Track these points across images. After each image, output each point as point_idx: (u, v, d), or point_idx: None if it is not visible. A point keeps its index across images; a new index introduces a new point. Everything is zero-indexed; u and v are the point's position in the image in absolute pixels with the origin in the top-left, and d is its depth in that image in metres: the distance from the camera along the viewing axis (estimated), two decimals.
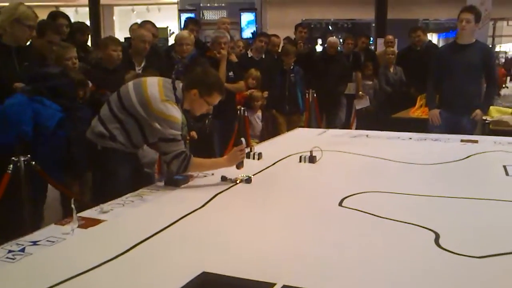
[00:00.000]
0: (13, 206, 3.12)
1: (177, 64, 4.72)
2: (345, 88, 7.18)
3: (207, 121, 4.69)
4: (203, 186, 2.54)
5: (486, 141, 3.78)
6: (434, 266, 1.60)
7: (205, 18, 12.85)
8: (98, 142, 2.69)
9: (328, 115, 7.26)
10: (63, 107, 3.35)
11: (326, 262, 1.63)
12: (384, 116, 6.16)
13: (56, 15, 4.85)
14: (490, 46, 11.58)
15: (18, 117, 3.13)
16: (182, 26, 7.71)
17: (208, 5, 13.30)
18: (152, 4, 14.25)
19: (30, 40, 3.59)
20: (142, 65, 4.51)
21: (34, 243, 1.75)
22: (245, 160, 2.78)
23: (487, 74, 4.46)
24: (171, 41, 10.61)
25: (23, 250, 1.68)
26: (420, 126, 4.80)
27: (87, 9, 11.65)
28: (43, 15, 4.48)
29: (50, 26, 4.04)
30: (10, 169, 3.06)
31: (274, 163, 3.03)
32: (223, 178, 2.60)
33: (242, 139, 2.74)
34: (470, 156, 3.25)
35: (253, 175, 2.66)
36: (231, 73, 5.08)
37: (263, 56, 6.35)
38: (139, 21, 5.84)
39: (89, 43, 6.01)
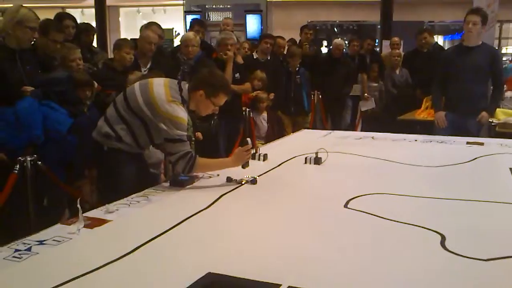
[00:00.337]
0: (19, 205, 3.13)
1: (183, 65, 4.72)
2: (350, 90, 7.17)
3: (212, 122, 4.70)
4: (208, 187, 2.54)
5: (492, 144, 3.76)
6: (440, 269, 1.59)
7: (211, 19, 12.87)
8: (104, 142, 2.69)
9: (334, 117, 7.25)
10: (69, 112, 3.38)
11: (331, 263, 1.63)
12: (389, 118, 6.15)
13: (62, 16, 4.87)
14: (497, 48, 11.53)
15: (29, 121, 3.17)
16: (188, 27, 7.72)
17: (214, 6, 13.31)
18: (157, 5, 14.27)
19: (33, 42, 3.60)
20: (148, 66, 4.52)
21: (41, 242, 1.76)
22: (251, 161, 2.79)
23: (493, 76, 4.45)
24: (176, 42, 10.64)
25: (29, 249, 1.69)
26: (425, 128, 4.79)
27: (93, 10, 11.69)
28: (49, 16, 4.51)
29: (53, 25, 4.06)
30: (17, 169, 3.07)
31: (280, 165, 3.03)
32: (229, 179, 2.60)
33: (248, 139, 2.74)
34: (476, 158, 3.24)
35: (259, 176, 2.66)
36: (237, 75, 5.08)
37: (269, 58, 6.35)
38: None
39: (94, 44, 6.02)
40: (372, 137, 4.09)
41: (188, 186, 2.53)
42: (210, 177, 2.71)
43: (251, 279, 1.49)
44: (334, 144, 3.62)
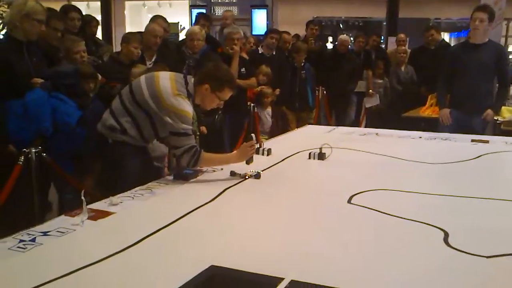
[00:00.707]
0: (23, 197, 3.15)
1: (188, 59, 4.72)
2: (355, 86, 7.16)
3: (217, 117, 4.70)
4: (212, 181, 2.55)
5: (497, 141, 3.75)
6: (443, 265, 1.59)
7: (216, 14, 12.85)
8: (108, 135, 2.70)
9: (338, 113, 7.24)
10: (77, 105, 3.39)
11: (334, 258, 1.64)
12: (394, 114, 6.14)
13: (68, 9, 4.87)
14: (503, 46, 11.46)
15: (38, 112, 3.18)
16: (193, 21, 7.71)
17: (219, 1, 13.29)
18: None
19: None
20: (153, 59, 4.52)
21: (45, 233, 1.77)
22: (255, 156, 2.79)
23: (499, 74, 4.43)
24: (182, 36, 10.62)
25: (34, 240, 1.70)
26: (430, 125, 4.78)
27: (98, 3, 11.70)
28: (55, 9, 4.51)
29: (54, 14, 4.06)
30: (21, 160, 3.08)
31: (283, 159, 3.03)
32: (232, 173, 2.60)
33: (252, 135, 2.75)
34: (481, 156, 3.23)
35: (262, 170, 2.67)
36: (243, 69, 5.08)
37: (274, 53, 6.34)
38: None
39: (99, 37, 6.02)
40: (376, 134, 4.08)
41: (192, 180, 2.54)
42: (214, 171, 2.71)
43: (254, 272, 1.49)
44: (338, 140, 3.62)
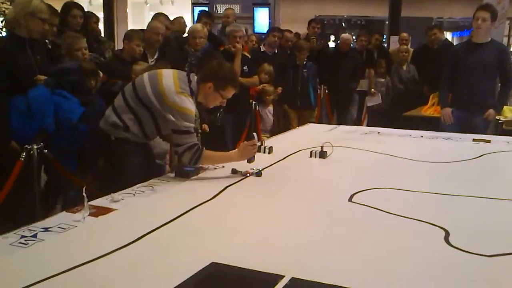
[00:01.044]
0: (25, 193, 3.15)
1: (190, 57, 4.72)
2: (357, 84, 7.15)
3: (218, 114, 4.70)
4: (213, 178, 2.55)
5: (499, 141, 3.75)
6: (444, 264, 1.59)
7: (218, 11, 12.84)
8: (111, 132, 2.70)
9: (340, 111, 7.24)
10: (80, 101, 3.40)
11: (334, 256, 1.64)
12: (395, 113, 6.13)
13: (70, 6, 4.87)
14: (506, 45, 11.44)
15: (41, 109, 3.18)
16: (195, 19, 7.70)
17: None
18: None
19: None
20: (155, 57, 4.52)
21: (46, 229, 1.77)
22: (257, 154, 2.78)
23: (501, 73, 4.42)
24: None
25: (35, 236, 1.71)
26: (432, 124, 4.77)
27: (100, 1, 11.69)
28: (57, 6, 4.51)
29: (51, 8, 4.05)
30: (23, 156, 3.09)
31: (285, 158, 3.03)
32: (234, 171, 2.61)
33: (254, 134, 2.75)
34: (482, 155, 3.23)
35: (263, 168, 2.67)
36: (245, 67, 5.08)
37: (276, 51, 6.34)
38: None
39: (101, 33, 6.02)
40: (378, 132, 4.08)
41: (193, 177, 2.54)
42: (215, 168, 2.72)
43: (254, 269, 1.49)
44: (339, 138, 3.61)
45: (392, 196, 2.34)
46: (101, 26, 5.98)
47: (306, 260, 1.60)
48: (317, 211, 2.12)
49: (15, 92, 3.22)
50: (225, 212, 2.08)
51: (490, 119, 4.42)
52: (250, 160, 2.66)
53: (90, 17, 5.30)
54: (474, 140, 3.75)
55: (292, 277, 1.44)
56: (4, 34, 4.83)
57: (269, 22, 12.45)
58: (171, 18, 5.78)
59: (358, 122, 7.16)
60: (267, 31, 6.74)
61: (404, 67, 7.00)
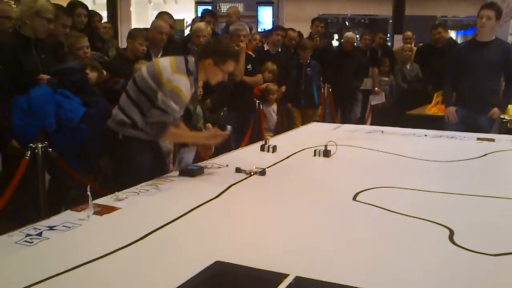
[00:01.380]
0: (30, 191, 3.17)
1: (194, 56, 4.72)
2: (360, 83, 7.14)
3: (222, 113, 4.71)
4: (217, 177, 2.55)
5: (503, 140, 3.73)
6: (448, 263, 1.59)
7: (222, 10, 12.85)
8: (119, 130, 2.72)
9: (343, 110, 7.23)
10: (83, 102, 3.41)
11: (339, 255, 1.64)
12: (399, 112, 6.13)
13: (75, 5, 4.88)
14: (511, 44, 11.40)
15: (43, 108, 3.19)
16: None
17: None
18: None
19: None
20: (159, 56, 4.52)
21: (51, 228, 1.78)
22: (260, 153, 2.80)
23: (506, 72, 4.41)
24: (187, 33, 10.63)
25: (40, 234, 1.71)
26: (435, 123, 4.76)
27: (104, 0, 11.72)
28: (62, 5, 4.52)
29: (63, 9, 4.08)
30: (28, 155, 3.10)
31: (288, 157, 3.03)
32: (238, 170, 2.61)
33: (229, 127, 2.75)
34: (487, 154, 3.22)
35: (267, 167, 2.67)
36: (249, 66, 5.08)
37: (280, 50, 6.34)
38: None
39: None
40: (382, 131, 4.07)
41: (197, 176, 2.54)
42: (219, 167, 2.72)
43: (258, 268, 1.50)
44: (343, 137, 3.61)
45: (396, 195, 2.34)
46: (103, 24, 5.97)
47: (310, 258, 1.60)
48: (321, 210, 2.11)
49: (18, 91, 3.23)
50: (229, 211, 2.08)
51: (495, 118, 4.41)
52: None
53: (93, 15, 5.32)
54: (478, 139, 3.74)
55: (296, 276, 1.44)
56: None
57: (273, 21, 12.45)
58: (175, 17, 5.78)
59: (362, 121, 7.15)
60: (271, 29, 6.73)
61: (408, 66, 7.00)
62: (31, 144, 3.13)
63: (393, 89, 7.19)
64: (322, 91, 6.81)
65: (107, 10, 11.10)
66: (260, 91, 5.73)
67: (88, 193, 1.94)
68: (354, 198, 2.23)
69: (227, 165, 2.72)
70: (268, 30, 9.43)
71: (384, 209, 2.09)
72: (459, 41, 10.01)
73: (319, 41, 7.29)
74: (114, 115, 2.76)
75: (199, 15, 7.65)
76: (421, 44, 7.70)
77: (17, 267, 1.49)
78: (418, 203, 2.21)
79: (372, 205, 2.14)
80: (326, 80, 6.91)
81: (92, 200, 1.98)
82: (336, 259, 1.60)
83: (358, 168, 2.86)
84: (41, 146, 3.15)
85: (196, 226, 1.88)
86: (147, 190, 2.28)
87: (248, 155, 3.10)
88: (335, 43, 12.26)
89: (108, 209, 2.00)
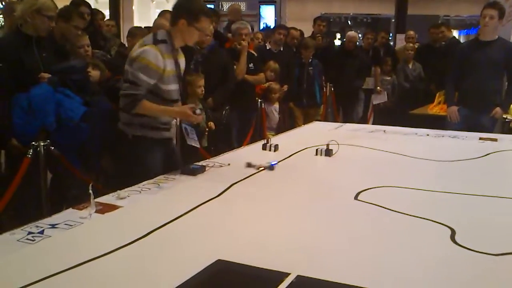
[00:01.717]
0: (32, 190, 3.17)
1: (196, 54, 4.72)
2: (362, 82, 7.13)
3: (224, 112, 4.70)
4: (219, 176, 2.55)
5: (506, 140, 3.72)
6: (449, 262, 1.59)
7: (224, 9, 12.85)
8: (128, 131, 2.75)
9: (345, 109, 7.22)
10: (84, 101, 3.41)
11: (340, 254, 1.64)
12: (401, 112, 6.12)
13: (78, 4, 4.89)
14: None
15: (43, 107, 3.19)
16: None
17: None
18: None
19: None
20: None
21: (53, 226, 1.78)
22: (262, 152, 2.78)
23: (509, 71, 4.40)
24: None
25: (42, 232, 1.72)
26: (438, 123, 4.76)
27: None
28: (65, 3, 4.52)
29: (76, 11, 4.09)
30: (30, 153, 3.10)
31: (290, 156, 3.03)
32: (248, 165, 2.63)
33: (198, 110, 2.74)
34: (489, 154, 3.21)
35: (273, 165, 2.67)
36: (251, 65, 5.07)
37: (282, 49, 6.33)
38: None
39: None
40: (384, 131, 4.07)
41: (199, 175, 2.55)
42: (221, 166, 2.72)
43: (260, 267, 1.50)
44: (345, 136, 3.61)
45: (398, 194, 2.34)
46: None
47: (311, 257, 1.60)
48: (323, 209, 2.11)
49: (19, 90, 3.23)
50: (231, 209, 2.08)
51: (497, 117, 4.41)
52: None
53: (96, 14, 5.33)
54: (480, 138, 3.73)
55: (298, 275, 1.44)
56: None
57: (275, 20, 12.44)
58: None
59: (364, 120, 7.14)
60: (273, 28, 6.73)
61: (410, 65, 6.99)
62: (33, 143, 3.13)
63: (395, 89, 7.18)
64: (324, 90, 6.80)
65: (110, 9, 11.09)
66: (263, 90, 5.73)
67: (90, 191, 1.94)
68: (356, 197, 2.23)
69: (228, 164, 2.73)
70: (270, 27, 9.43)
71: (386, 208, 2.08)
72: (462, 41, 10.00)
73: (321, 40, 7.28)
74: (121, 117, 2.79)
75: None
76: (417, 43, 7.67)
77: (19, 265, 1.49)
78: (419, 202, 2.21)
79: (373, 204, 2.14)
80: (328, 79, 6.90)
81: (94, 198, 1.98)
82: (338, 258, 1.60)
83: (360, 167, 2.86)
84: (43, 145, 3.15)
85: (197, 225, 1.88)
86: (149, 189, 2.29)
87: (250, 154, 3.09)
88: (337, 42, 12.25)
89: (110, 208, 2.00)
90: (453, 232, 1.81)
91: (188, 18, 2.64)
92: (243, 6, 11.96)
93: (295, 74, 6.08)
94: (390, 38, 9.01)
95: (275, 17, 12.67)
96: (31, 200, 3.21)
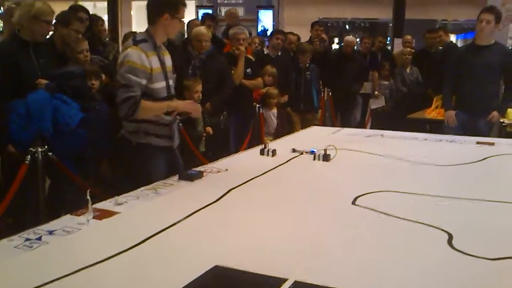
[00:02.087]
0: (29, 195, 3.17)
1: (194, 60, 4.73)
2: (360, 87, 7.15)
3: (222, 117, 4.71)
4: (216, 182, 2.55)
5: (503, 144, 3.73)
6: (447, 267, 1.59)
7: (222, 14, 12.87)
8: (132, 138, 2.76)
9: (343, 114, 7.23)
10: (81, 107, 3.41)
11: (337, 259, 1.64)
12: (399, 116, 6.13)
13: (76, 9, 4.89)
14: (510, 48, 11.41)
15: (40, 113, 3.19)
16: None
17: (226, 1, 13.31)
18: None
19: (50, 33, 3.63)
20: None
21: (50, 232, 1.78)
22: (260, 157, 2.78)
23: (505, 76, 4.41)
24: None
25: (39, 238, 1.72)
26: (435, 127, 4.78)
27: (105, 3, 11.74)
28: (63, 9, 4.53)
29: (75, 16, 4.11)
30: (28, 159, 3.10)
31: (288, 160, 3.03)
32: (293, 150, 2.96)
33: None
34: (486, 158, 3.22)
35: (267, 172, 2.66)
36: (249, 70, 5.09)
37: (279, 54, 6.35)
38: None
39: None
40: (382, 135, 4.07)
41: (196, 180, 2.54)
42: (219, 171, 2.72)
43: (257, 273, 1.50)
44: (343, 141, 3.61)
45: (396, 199, 2.34)
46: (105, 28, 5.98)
47: (309, 263, 1.60)
48: (320, 214, 2.11)
49: (16, 96, 3.23)
50: (228, 215, 2.08)
51: (494, 122, 4.42)
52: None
53: (97, 20, 5.33)
54: (478, 142, 3.73)
55: (295, 280, 1.44)
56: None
57: (273, 25, 12.46)
58: None
59: (361, 125, 7.15)
60: (271, 33, 6.74)
61: (408, 70, 7.01)
62: (31, 148, 3.13)
63: (393, 93, 7.19)
64: (322, 95, 6.82)
65: (108, 14, 11.11)
66: (260, 95, 5.74)
67: (88, 197, 1.94)
68: (353, 202, 2.23)
69: (226, 169, 2.73)
70: (267, 30, 9.41)
71: (383, 213, 2.09)
72: (459, 45, 10.03)
73: (319, 44, 7.30)
74: (124, 125, 2.80)
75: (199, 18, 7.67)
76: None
77: (17, 272, 1.49)
78: (417, 207, 2.22)
79: (371, 209, 2.14)
80: (326, 84, 6.92)
81: (92, 204, 1.98)
82: (335, 263, 1.61)
83: (358, 172, 2.86)
84: (41, 151, 3.15)
85: (195, 231, 1.88)
86: (147, 195, 2.29)
87: (248, 159, 3.10)
88: (335, 47, 12.26)
89: (108, 214, 2.00)
90: (450, 237, 1.82)
91: (171, 11, 2.68)
92: (241, 11, 11.99)
93: (293, 79, 6.09)
94: (387, 42, 9.03)
95: (273, 21, 12.68)
96: (29, 206, 3.21)
